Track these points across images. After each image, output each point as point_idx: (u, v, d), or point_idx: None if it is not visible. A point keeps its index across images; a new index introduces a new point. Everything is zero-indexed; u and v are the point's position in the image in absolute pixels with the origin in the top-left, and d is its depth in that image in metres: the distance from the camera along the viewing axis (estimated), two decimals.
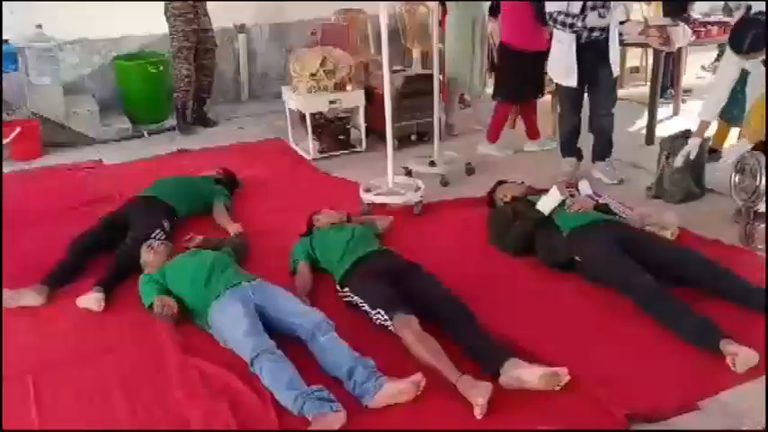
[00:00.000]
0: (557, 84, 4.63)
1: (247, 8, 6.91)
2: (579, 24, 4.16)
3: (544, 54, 4.72)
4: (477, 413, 2.25)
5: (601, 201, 3.54)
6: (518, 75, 4.95)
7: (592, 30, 4.19)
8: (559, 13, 4.20)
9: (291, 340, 2.62)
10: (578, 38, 4.22)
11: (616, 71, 4.39)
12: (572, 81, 4.35)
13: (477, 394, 2.27)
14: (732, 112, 4.18)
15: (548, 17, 4.31)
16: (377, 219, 3.75)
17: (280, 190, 4.57)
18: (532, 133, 5.28)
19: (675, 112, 5.86)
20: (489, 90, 5.75)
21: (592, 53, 4.25)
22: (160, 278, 3.03)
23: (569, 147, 4.64)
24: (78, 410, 2.42)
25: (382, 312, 2.68)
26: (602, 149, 4.56)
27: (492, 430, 2.22)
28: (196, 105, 6.20)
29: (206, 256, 3.08)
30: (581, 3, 4.14)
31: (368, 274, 2.92)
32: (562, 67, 4.39)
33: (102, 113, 5.97)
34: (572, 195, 3.49)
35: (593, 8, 4.15)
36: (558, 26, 4.26)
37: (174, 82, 5.99)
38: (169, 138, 5.95)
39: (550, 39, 4.52)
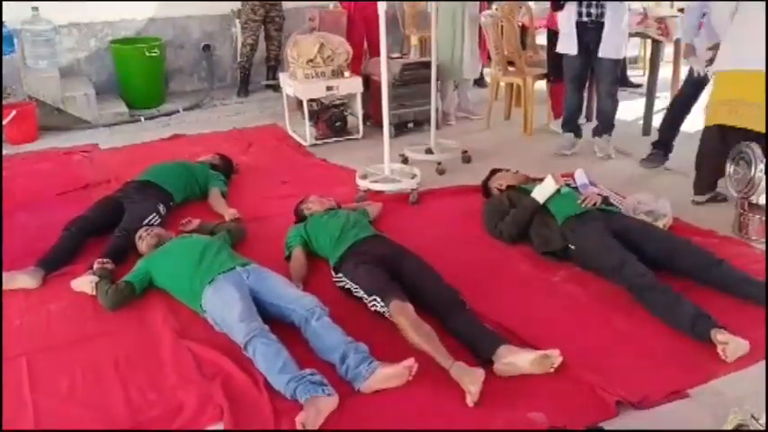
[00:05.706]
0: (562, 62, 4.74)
1: None
2: None
3: None
4: (469, 401, 2.26)
5: (597, 191, 3.53)
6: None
7: (589, 7, 4.37)
8: None
9: (285, 325, 2.63)
10: (578, 14, 4.41)
11: (616, 54, 4.48)
12: (572, 49, 4.52)
13: (470, 382, 2.28)
14: None
15: None
16: (366, 206, 3.75)
17: (276, 176, 4.55)
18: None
19: None
20: (486, 78, 5.74)
21: (592, 32, 4.42)
22: (145, 266, 3.03)
23: (569, 123, 4.86)
24: (72, 393, 2.43)
25: (378, 299, 2.69)
26: (602, 127, 4.76)
27: (486, 428, 2.22)
28: (271, 73, 6.79)
29: (198, 240, 3.08)
30: None
31: (362, 260, 2.92)
32: (564, 36, 4.57)
33: (99, 97, 5.95)
34: (567, 185, 3.49)
35: None
36: None
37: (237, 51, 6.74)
38: (165, 122, 5.94)
39: None
